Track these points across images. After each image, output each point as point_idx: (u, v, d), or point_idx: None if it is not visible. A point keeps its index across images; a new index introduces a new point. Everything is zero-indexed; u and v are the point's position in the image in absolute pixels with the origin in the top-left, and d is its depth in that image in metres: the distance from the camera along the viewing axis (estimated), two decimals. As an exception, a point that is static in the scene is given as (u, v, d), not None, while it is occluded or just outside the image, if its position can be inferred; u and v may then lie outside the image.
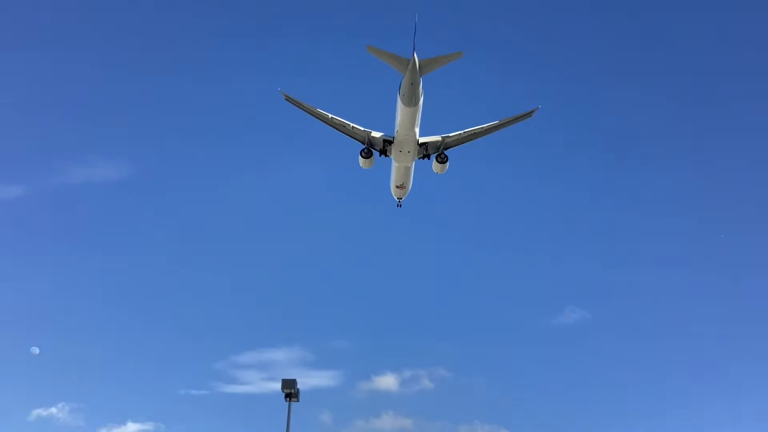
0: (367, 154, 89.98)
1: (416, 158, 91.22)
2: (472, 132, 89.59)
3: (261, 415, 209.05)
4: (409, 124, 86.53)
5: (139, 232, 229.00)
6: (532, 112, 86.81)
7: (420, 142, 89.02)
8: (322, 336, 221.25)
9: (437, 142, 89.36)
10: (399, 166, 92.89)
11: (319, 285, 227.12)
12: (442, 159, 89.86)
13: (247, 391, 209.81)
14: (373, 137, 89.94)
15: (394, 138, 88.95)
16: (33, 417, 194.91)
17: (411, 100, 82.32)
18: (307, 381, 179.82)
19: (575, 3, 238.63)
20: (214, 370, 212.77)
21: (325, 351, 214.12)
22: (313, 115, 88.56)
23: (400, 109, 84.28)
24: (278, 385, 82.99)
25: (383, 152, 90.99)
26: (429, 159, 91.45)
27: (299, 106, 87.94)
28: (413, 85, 79.78)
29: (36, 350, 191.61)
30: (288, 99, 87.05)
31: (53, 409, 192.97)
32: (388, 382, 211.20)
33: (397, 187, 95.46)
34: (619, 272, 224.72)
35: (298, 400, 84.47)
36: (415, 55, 78.90)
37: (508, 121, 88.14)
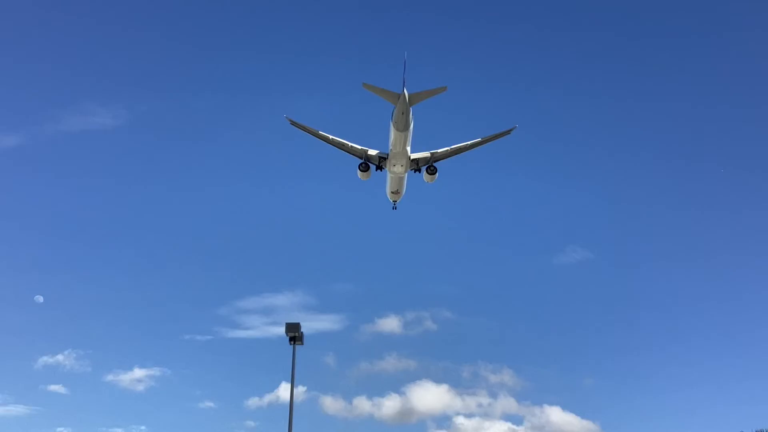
0: (364, 167, 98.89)
1: (408, 170, 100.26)
2: (458, 148, 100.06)
3: (265, 359, 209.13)
4: (401, 144, 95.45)
5: (138, 179, 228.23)
6: (510, 130, 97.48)
7: (411, 158, 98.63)
8: (324, 280, 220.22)
9: (427, 157, 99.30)
10: (393, 177, 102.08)
11: (322, 229, 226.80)
12: (432, 171, 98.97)
13: (251, 336, 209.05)
14: (369, 155, 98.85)
15: (388, 155, 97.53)
16: (40, 364, 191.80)
17: (402, 127, 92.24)
18: (310, 325, 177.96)
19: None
20: (218, 316, 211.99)
21: (327, 295, 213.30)
22: (315, 137, 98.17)
23: (393, 133, 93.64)
24: (282, 330, 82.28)
25: (379, 167, 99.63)
26: (420, 172, 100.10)
27: (303, 129, 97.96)
28: (404, 114, 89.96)
29: (40, 298, 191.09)
30: (293, 123, 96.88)
31: (60, 356, 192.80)
32: (391, 324, 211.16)
33: (392, 192, 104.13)
34: (621, 210, 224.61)
35: (302, 344, 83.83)
36: (405, 90, 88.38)
37: (489, 138, 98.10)
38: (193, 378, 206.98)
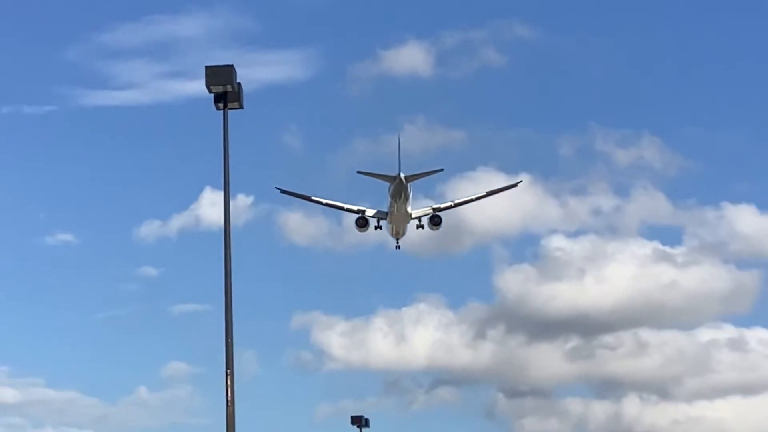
0: (362, 222, 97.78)
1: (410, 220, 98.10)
2: (460, 202, 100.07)
3: (166, 147, 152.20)
4: (403, 209, 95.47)
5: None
6: (516, 184, 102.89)
7: (413, 215, 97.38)
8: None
9: (429, 213, 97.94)
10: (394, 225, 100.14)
11: None
12: (436, 222, 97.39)
13: (133, 102, 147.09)
14: (367, 215, 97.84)
15: (387, 213, 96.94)
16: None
17: (401, 198, 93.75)
18: (252, 72, 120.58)
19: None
20: (64, 65, 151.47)
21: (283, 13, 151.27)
22: (308, 201, 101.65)
23: (392, 203, 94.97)
24: (195, 85, 42.73)
25: (378, 227, 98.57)
26: (423, 228, 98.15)
27: (295, 195, 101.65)
28: (402, 191, 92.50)
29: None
30: (284, 192, 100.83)
31: None
32: (412, 57, 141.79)
33: (396, 233, 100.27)
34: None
35: (240, 107, 43.54)
36: (401, 174, 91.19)
37: (494, 191, 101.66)
38: (27, 187, 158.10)
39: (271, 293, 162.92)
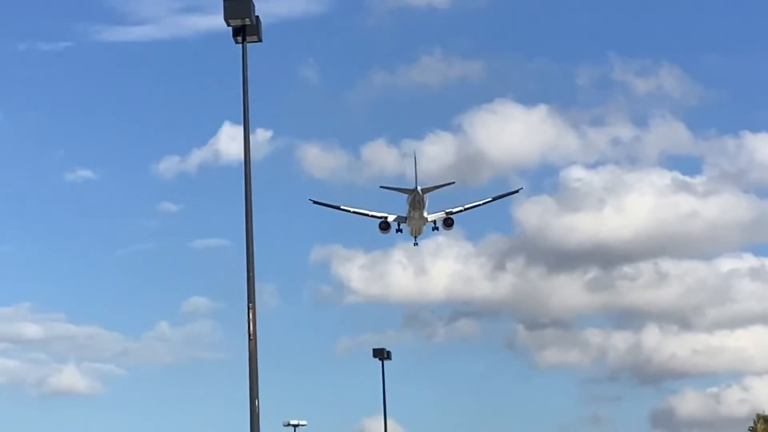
0: (384, 227, 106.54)
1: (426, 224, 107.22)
2: (469, 207, 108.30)
3: (185, 83, 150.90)
4: (419, 214, 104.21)
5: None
6: (517, 191, 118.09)
7: (428, 219, 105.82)
8: None
9: (442, 216, 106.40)
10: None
11: None
12: (449, 224, 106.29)
13: (150, 37, 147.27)
14: (389, 221, 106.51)
15: (406, 218, 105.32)
16: None
17: (418, 206, 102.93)
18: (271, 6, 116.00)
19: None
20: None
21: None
22: (338, 210, 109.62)
23: (410, 209, 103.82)
24: (211, 20, 42.35)
25: (399, 230, 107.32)
26: (438, 230, 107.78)
27: (326, 206, 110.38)
28: (418, 201, 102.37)
29: None
30: (316, 203, 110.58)
31: None
32: None
33: (414, 233, 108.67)
34: None
35: (259, 40, 43.16)
36: (417, 188, 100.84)
37: (499, 197, 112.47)
38: (45, 124, 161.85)
39: (291, 227, 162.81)
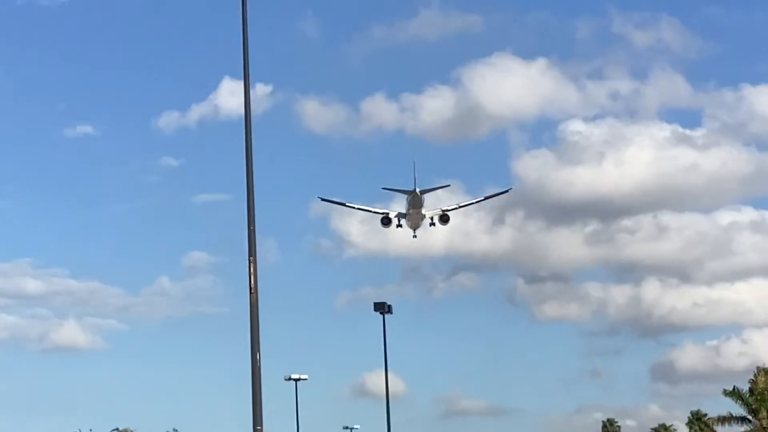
0: (386, 222, 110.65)
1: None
2: (465, 204, 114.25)
3: (179, 32, 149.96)
4: (417, 212, 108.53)
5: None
6: (507, 191, 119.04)
7: (426, 216, 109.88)
8: None
9: (439, 213, 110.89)
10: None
11: None
12: (445, 220, 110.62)
13: None
14: (390, 216, 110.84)
15: (406, 214, 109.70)
16: None
17: (417, 206, 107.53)
18: None
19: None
20: None
21: None
22: (345, 206, 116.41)
23: (409, 207, 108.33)
24: None
25: (399, 225, 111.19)
26: (435, 225, 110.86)
27: (334, 203, 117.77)
28: (417, 200, 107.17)
29: None
30: (325, 200, 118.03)
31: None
32: None
33: (412, 227, 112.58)
34: None
35: None
36: (416, 189, 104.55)
37: (490, 196, 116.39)
38: (45, 79, 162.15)
39: (290, 181, 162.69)
